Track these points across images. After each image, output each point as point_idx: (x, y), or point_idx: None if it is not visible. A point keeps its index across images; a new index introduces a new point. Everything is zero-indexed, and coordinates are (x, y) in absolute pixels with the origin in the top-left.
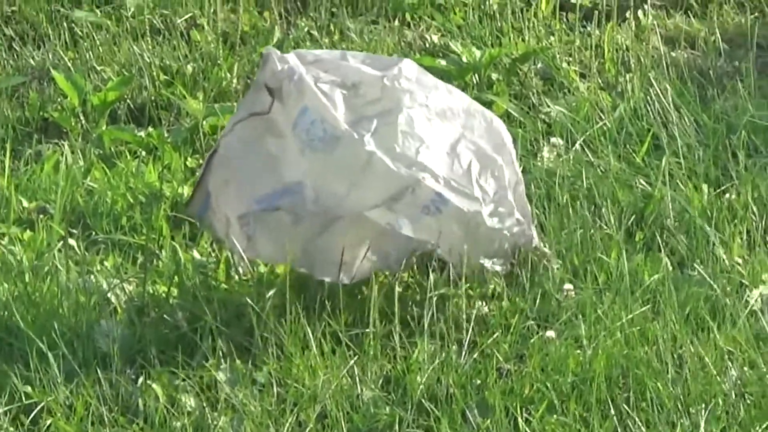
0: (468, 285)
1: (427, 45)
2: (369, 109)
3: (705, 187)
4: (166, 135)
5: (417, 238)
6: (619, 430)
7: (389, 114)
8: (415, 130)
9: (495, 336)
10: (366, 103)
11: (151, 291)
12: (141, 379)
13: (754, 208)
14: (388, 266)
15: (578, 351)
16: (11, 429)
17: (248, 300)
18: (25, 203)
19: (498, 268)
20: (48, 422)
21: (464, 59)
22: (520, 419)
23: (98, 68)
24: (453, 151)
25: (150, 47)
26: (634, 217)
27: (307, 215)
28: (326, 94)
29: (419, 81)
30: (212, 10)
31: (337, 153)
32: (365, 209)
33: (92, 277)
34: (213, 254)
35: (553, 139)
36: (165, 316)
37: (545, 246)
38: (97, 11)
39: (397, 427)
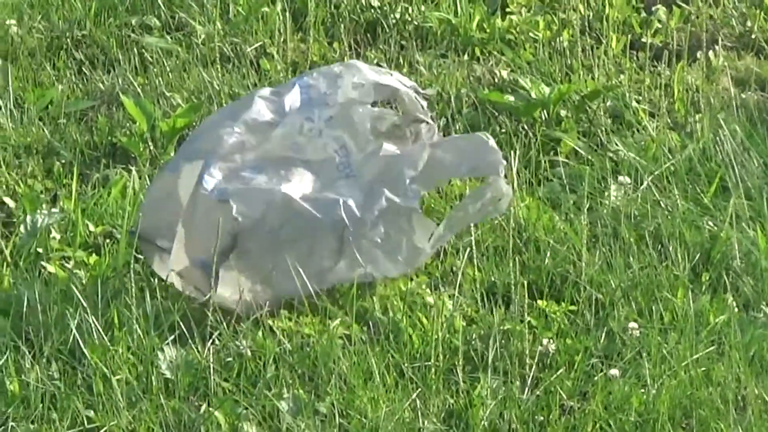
0: (532, 320)
1: (496, 80)
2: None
3: None
4: None
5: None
6: None
7: None
8: None
9: (558, 373)
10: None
11: (213, 318)
12: (204, 407)
13: None
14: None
15: (642, 390)
16: None
17: (312, 330)
18: (92, 227)
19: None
20: None
21: (533, 95)
22: None
23: (167, 94)
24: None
25: (219, 74)
26: (700, 257)
27: None
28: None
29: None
30: (282, 39)
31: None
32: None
33: (158, 302)
34: None
35: (620, 178)
36: (229, 343)
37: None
38: (168, 37)
39: None
